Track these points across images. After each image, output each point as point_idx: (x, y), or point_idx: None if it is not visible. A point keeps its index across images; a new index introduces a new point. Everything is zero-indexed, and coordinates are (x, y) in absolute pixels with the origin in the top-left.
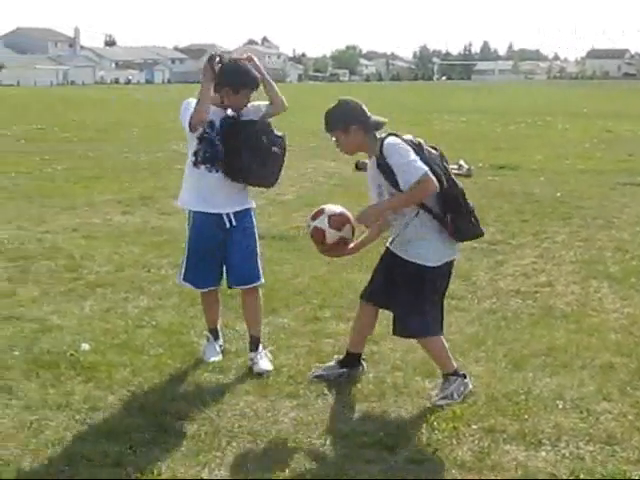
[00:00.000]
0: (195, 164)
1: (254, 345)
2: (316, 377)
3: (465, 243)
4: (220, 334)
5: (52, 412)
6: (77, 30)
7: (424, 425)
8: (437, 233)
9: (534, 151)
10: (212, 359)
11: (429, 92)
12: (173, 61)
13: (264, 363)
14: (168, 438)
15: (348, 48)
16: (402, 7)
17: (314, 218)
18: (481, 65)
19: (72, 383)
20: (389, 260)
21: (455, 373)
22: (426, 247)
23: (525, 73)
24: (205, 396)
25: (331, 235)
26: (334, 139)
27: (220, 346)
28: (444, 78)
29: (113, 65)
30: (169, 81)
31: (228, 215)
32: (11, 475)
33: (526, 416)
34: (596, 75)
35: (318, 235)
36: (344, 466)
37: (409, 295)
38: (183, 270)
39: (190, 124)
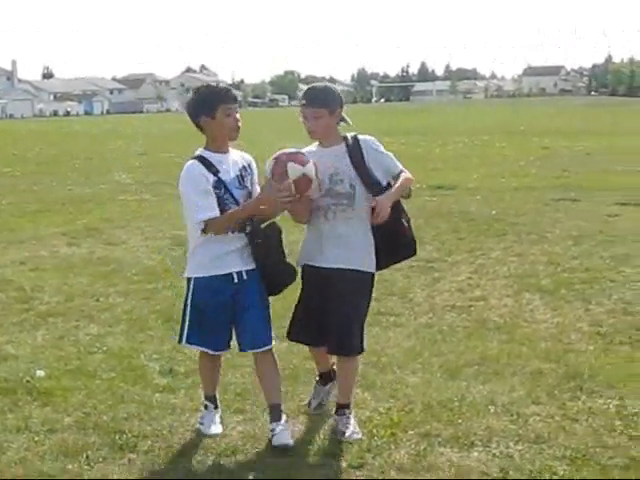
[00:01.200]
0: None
1: (276, 414)
2: (316, 409)
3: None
4: (218, 401)
5: (12, 435)
6: (14, 63)
7: (364, 432)
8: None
9: (471, 170)
10: (213, 431)
11: (368, 115)
12: (111, 92)
13: (284, 436)
14: (123, 454)
15: (287, 73)
16: (339, 31)
17: (302, 163)
18: (419, 86)
19: (30, 408)
20: (322, 281)
21: (349, 405)
22: (370, 253)
23: (463, 92)
24: (157, 415)
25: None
26: (311, 116)
27: (220, 416)
28: (382, 100)
29: (52, 97)
30: (108, 112)
31: (239, 273)
32: None
33: (460, 420)
34: (532, 92)
35: (306, 183)
36: (289, 472)
37: (354, 309)
38: (186, 332)
39: (203, 229)
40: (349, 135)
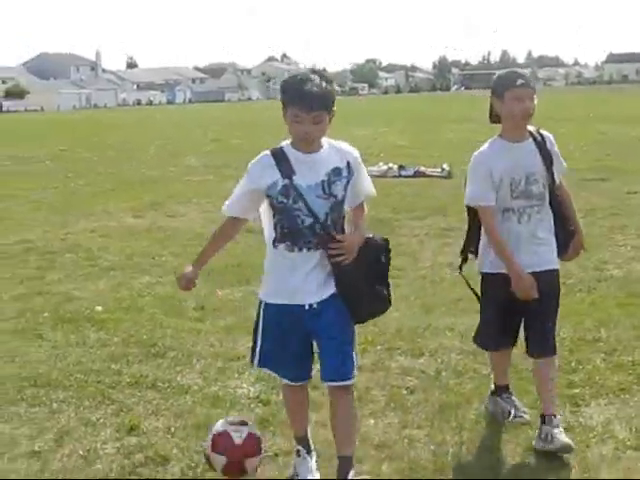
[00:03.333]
0: (274, 243)
1: (343, 470)
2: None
3: (421, 229)
4: (311, 443)
5: (72, 348)
6: (98, 54)
7: None
8: None
9: None
10: None
11: (444, 103)
12: (194, 81)
13: None
14: (154, 359)
15: (368, 61)
16: (422, 18)
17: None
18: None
19: (88, 331)
20: (539, 286)
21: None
22: (555, 249)
23: (544, 80)
24: (185, 335)
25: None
26: (528, 97)
27: (317, 461)
28: (463, 88)
29: (135, 87)
30: (190, 100)
31: (311, 305)
32: (45, 381)
33: (419, 340)
34: (614, 79)
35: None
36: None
37: (553, 308)
38: (257, 355)
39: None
40: (533, 129)
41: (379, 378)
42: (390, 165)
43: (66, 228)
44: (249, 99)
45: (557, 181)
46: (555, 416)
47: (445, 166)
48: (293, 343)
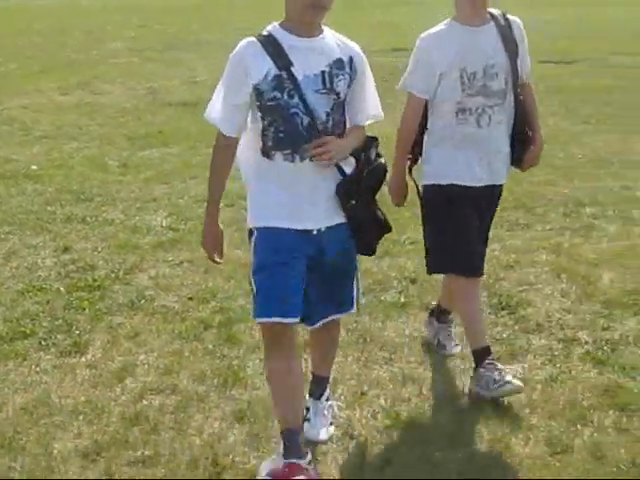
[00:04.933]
0: (265, 152)
1: (318, 389)
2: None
3: None
4: (307, 452)
5: (13, 198)
6: None
7: None
8: None
9: None
10: None
11: None
12: None
13: (322, 432)
14: (84, 202)
15: None
16: None
17: None
18: None
19: (26, 185)
20: (476, 202)
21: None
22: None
23: None
24: (110, 186)
25: None
26: None
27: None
28: None
29: None
30: None
31: (319, 230)
32: None
33: None
34: None
35: None
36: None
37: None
38: (258, 304)
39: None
40: (496, 12)
41: None
42: None
43: (1, 105)
44: None
45: (522, 78)
46: (490, 351)
47: None
48: (293, 272)
